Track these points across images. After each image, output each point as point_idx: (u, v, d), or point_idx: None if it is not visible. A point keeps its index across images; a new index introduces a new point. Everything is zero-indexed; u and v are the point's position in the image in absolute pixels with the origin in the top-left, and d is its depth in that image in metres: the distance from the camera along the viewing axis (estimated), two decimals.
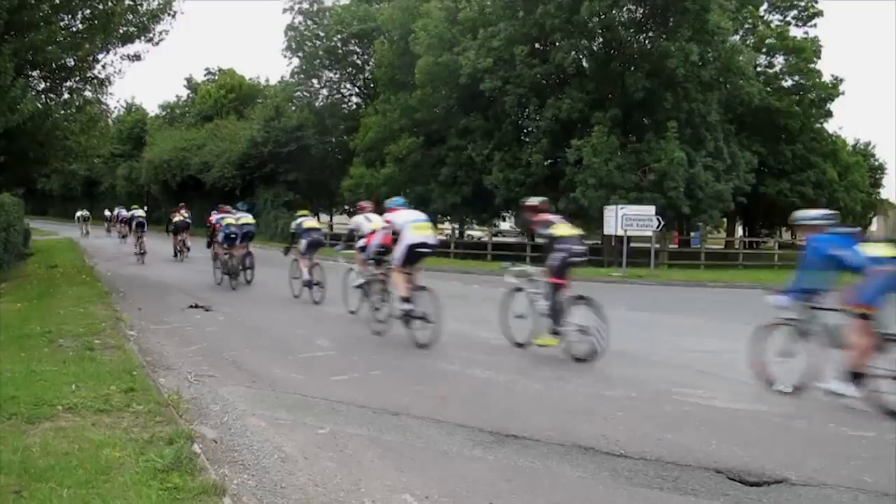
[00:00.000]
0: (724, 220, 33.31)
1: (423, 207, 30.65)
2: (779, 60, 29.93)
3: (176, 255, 20.66)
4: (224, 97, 46.15)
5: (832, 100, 29.62)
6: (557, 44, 24.33)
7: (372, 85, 36.21)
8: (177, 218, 20.71)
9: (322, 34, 36.40)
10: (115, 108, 36.31)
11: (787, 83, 29.71)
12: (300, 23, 36.86)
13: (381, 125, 29.82)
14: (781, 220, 34.08)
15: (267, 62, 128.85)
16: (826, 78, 29.28)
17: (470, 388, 6.10)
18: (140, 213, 23.41)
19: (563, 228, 7.59)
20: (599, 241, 26.07)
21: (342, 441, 4.57)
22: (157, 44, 15.80)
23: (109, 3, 14.04)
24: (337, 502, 3.64)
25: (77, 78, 16.06)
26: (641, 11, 24.39)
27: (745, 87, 24.91)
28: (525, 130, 27.56)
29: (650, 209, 19.74)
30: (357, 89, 39.10)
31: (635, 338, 8.57)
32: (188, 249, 20.60)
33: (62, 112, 15.82)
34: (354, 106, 38.77)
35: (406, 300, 7.92)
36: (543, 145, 24.36)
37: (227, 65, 68.29)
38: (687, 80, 23.05)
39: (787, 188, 28.94)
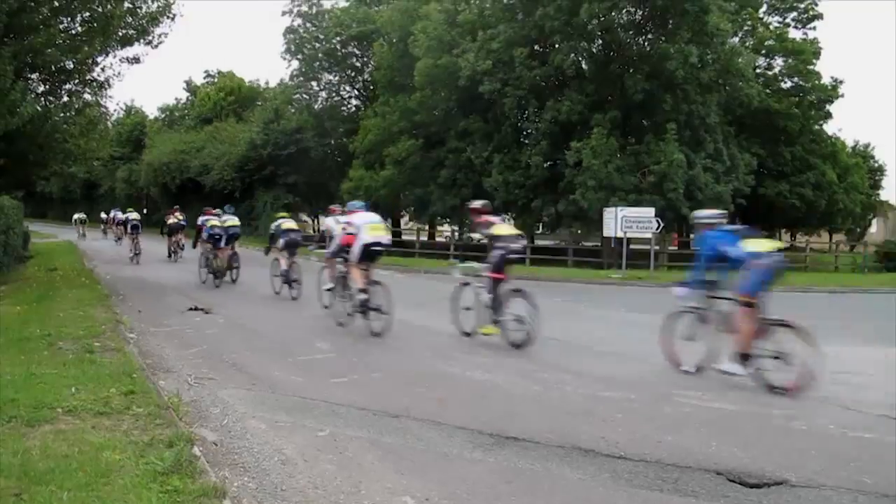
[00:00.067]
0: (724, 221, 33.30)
1: (422, 210, 30.96)
2: (778, 62, 29.98)
3: (170, 255, 21.41)
4: (223, 100, 46.19)
5: (831, 101, 29.66)
6: (557, 46, 24.34)
7: (371, 87, 36.23)
8: (171, 220, 21.40)
9: (321, 37, 36.41)
10: (115, 110, 36.20)
11: (787, 85, 29.76)
12: (299, 25, 36.89)
13: (381, 127, 29.83)
14: (781, 221, 34.14)
15: (266, 65, 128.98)
16: (825, 80, 29.33)
17: (470, 390, 6.10)
18: (134, 215, 24.08)
19: (502, 229, 8.37)
20: (599, 243, 26.08)
21: (342, 443, 4.57)
22: (156, 46, 15.84)
23: (108, 6, 14.05)
24: None
25: (76, 81, 16.08)
26: (641, 13, 24.40)
27: (744, 89, 24.93)
28: (524, 132, 27.54)
29: (650, 211, 19.75)
30: (356, 91, 39.12)
31: (634, 340, 8.58)
32: (182, 249, 21.14)
33: (61, 115, 15.85)
34: (354, 108, 38.80)
35: (363, 291, 8.71)
36: (543, 147, 24.36)
37: (227, 67, 68.28)
38: (686, 82, 23.07)
39: (786, 190, 28.98)
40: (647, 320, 10.81)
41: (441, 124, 28.44)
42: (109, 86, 16.51)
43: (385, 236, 9.17)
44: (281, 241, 12.59)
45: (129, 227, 22.73)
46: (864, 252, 30.22)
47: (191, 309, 10.74)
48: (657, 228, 19.92)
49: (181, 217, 21.58)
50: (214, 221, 14.81)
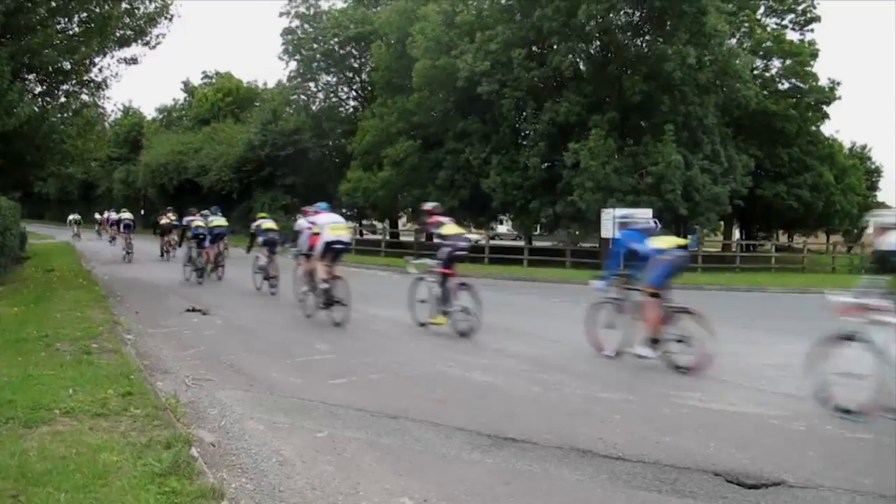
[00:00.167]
0: (722, 222, 33.38)
1: (420, 211, 30.86)
2: (776, 64, 30.09)
3: (162, 255, 22.02)
4: (221, 101, 46.21)
5: (829, 103, 29.76)
6: (555, 47, 24.38)
7: (369, 88, 36.26)
8: (164, 220, 22.10)
9: (319, 38, 36.43)
10: (112, 111, 36.05)
11: (784, 86, 29.83)
12: (297, 26, 36.92)
13: (379, 128, 29.82)
14: (778, 222, 34.24)
15: (264, 66, 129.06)
16: (823, 81, 29.44)
17: (468, 391, 6.10)
18: (127, 215, 24.76)
19: (450, 228, 9.19)
20: (597, 245, 26.08)
21: (340, 444, 4.56)
22: (153, 47, 15.87)
23: (106, 7, 14.05)
24: None
25: (74, 81, 16.08)
26: (638, 15, 24.46)
27: (741, 91, 24.96)
28: (522, 134, 27.55)
29: (647, 212, 19.75)
30: (354, 93, 39.14)
31: None
32: (174, 249, 21.38)
33: (59, 115, 15.84)
34: (352, 109, 38.81)
35: (325, 282, 9.54)
36: (541, 148, 24.38)
37: (225, 68, 68.18)
38: (684, 84, 23.11)
39: (783, 191, 29.04)
40: None
41: (439, 125, 28.44)
42: (107, 86, 16.57)
43: (346, 235, 10.15)
44: (260, 240, 13.82)
45: (121, 226, 23.63)
46: (860, 253, 30.27)
47: (188, 310, 10.72)
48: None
49: (174, 217, 22.10)
50: (199, 222, 15.62)
